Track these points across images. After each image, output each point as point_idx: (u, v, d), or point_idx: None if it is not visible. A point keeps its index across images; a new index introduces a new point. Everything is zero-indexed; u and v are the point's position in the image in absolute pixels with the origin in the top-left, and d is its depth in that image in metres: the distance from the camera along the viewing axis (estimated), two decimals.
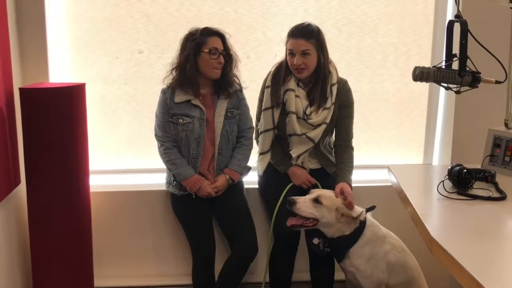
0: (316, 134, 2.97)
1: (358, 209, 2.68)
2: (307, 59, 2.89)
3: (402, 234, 2.82)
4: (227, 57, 2.98)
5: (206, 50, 2.90)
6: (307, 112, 2.96)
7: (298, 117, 2.96)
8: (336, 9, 3.42)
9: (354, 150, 3.08)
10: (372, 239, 2.66)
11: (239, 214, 3.07)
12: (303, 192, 3.07)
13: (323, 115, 2.96)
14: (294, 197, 2.67)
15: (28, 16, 3.10)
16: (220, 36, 2.96)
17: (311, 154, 3.06)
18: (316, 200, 2.64)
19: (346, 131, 3.06)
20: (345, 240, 2.66)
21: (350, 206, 2.67)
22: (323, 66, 2.94)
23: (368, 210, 2.71)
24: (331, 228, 2.67)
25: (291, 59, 2.91)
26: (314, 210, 2.64)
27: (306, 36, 2.87)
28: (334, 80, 2.98)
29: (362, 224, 2.66)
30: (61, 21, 3.30)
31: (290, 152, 3.02)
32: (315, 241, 2.79)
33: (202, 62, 2.92)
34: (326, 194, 2.70)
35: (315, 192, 2.71)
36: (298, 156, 3.02)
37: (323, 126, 2.97)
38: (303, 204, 2.65)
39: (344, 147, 3.05)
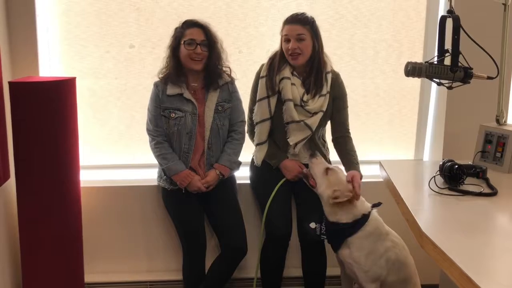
0: (313, 121, 2.98)
1: (362, 207, 2.71)
2: (302, 45, 2.92)
3: (393, 229, 2.82)
4: (210, 48, 2.96)
5: (183, 42, 2.89)
6: (304, 99, 2.98)
7: (295, 104, 2.97)
8: (329, 4, 3.41)
9: None
10: (373, 234, 2.67)
11: (229, 213, 3.06)
12: (296, 186, 3.07)
13: (319, 102, 2.98)
14: (318, 155, 2.91)
15: (18, 9, 3.07)
16: (201, 27, 2.94)
17: (306, 145, 3.06)
18: (327, 170, 2.77)
19: (343, 123, 3.10)
20: (343, 228, 2.66)
21: (357, 197, 2.73)
22: (317, 54, 2.97)
23: (374, 206, 2.73)
24: (326, 205, 2.73)
25: (286, 45, 2.94)
26: (319, 174, 2.77)
27: (302, 22, 2.92)
28: (329, 68, 3.03)
29: (365, 216, 2.67)
30: (51, 14, 3.27)
31: (288, 140, 3.02)
32: (312, 225, 2.81)
33: (182, 54, 2.92)
34: (339, 175, 2.78)
35: (334, 167, 2.84)
36: (296, 144, 3.02)
37: (320, 114, 2.99)
38: (318, 164, 2.82)
39: (344, 138, 3.09)
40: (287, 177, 3.05)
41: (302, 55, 2.94)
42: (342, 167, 2.97)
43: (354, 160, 3.00)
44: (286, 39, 2.94)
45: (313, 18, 2.97)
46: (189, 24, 2.93)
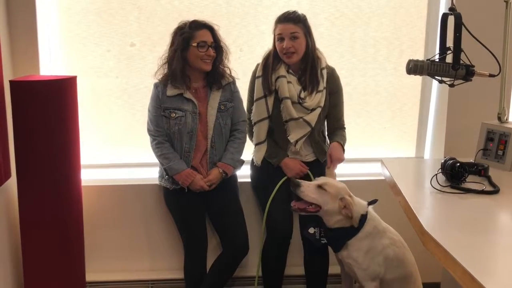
0: (312, 117, 3.00)
1: (359, 208, 2.66)
2: (296, 43, 2.93)
3: (395, 227, 2.81)
4: (217, 49, 2.97)
5: (195, 44, 2.88)
6: (302, 96, 2.98)
7: (293, 102, 2.97)
8: (329, 2, 3.41)
9: (347, 144, 3.13)
10: (372, 233, 2.65)
11: (230, 213, 3.07)
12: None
13: (317, 98, 2.99)
14: (300, 180, 2.69)
15: (18, 8, 3.07)
16: (209, 28, 2.94)
17: (307, 142, 3.07)
18: (321, 187, 2.64)
19: (338, 118, 3.15)
20: (344, 232, 2.65)
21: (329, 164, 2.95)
22: (311, 52, 2.99)
23: (370, 203, 2.71)
24: (333, 218, 2.65)
25: (280, 44, 2.95)
26: (317, 196, 2.63)
27: (294, 20, 2.93)
28: (323, 64, 3.04)
29: (363, 217, 2.66)
30: (52, 13, 3.27)
31: (288, 137, 3.03)
32: (311, 230, 2.79)
33: (192, 56, 2.91)
34: (331, 182, 2.69)
35: (321, 179, 2.71)
36: (297, 142, 3.01)
37: (318, 110, 3.01)
38: (307, 188, 2.65)
39: (337, 130, 3.14)
40: (288, 175, 3.05)
41: (296, 53, 2.95)
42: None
43: (337, 135, 3.08)
44: (279, 38, 2.96)
45: (304, 16, 2.98)
46: (198, 26, 2.91)
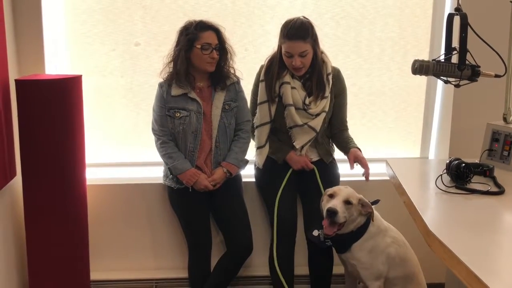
0: (317, 123, 2.99)
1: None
2: (305, 59, 2.91)
3: (400, 227, 2.82)
4: (222, 51, 2.96)
5: (199, 46, 2.88)
6: (306, 102, 2.97)
7: (297, 108, 2.96)
8: (335, 2, 3.40)
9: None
10: (375, 232, 2.67)
11: (235, 212, 3.06)
12: (303, 177, 3.07)
13: (322, 104, 2.99)
14: (333, 207, 2.56)
15: (24, 7, 3.07)
16: (215, 30, 2.93)
17: (311, 145, 3.07)
18: (348, 202, 2.60)
19: (342, 119, 3.15)
20: (351, 234, 2.65)
21: (367, 177, 2.97)
22: (317, 58, 2.97)
23: (372, 203, 2.71)
24: (354, 223, 2.65)
25: (289, 60, 2.92)
26: (347, 213, 2.60)
27: (303, 37, 2.87)
28: (329, 69, 3.02)
29: (368, 220, 2.66)
30: (57, 12, 3.27)
31: (294, 143, 3.03)
32: (315, 233, 2.78)
33: (195, 57, 2.91)
34: (350, 192, 2.65)
35: (340, 194, 2.63)
36: (302, 147, 3.02)
37: (323, 115, 3.00)
38: (341, 211, 2.58)
39: (342, 131, 3.14)
40: (293, 167, 3.05)
41: (305, 67, 2.95)
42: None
43: (348, 141, 3.08)
44: (288, 55, 2.91)
45: (311, 26, 2.91)
46: (203, 27, 2.90)
